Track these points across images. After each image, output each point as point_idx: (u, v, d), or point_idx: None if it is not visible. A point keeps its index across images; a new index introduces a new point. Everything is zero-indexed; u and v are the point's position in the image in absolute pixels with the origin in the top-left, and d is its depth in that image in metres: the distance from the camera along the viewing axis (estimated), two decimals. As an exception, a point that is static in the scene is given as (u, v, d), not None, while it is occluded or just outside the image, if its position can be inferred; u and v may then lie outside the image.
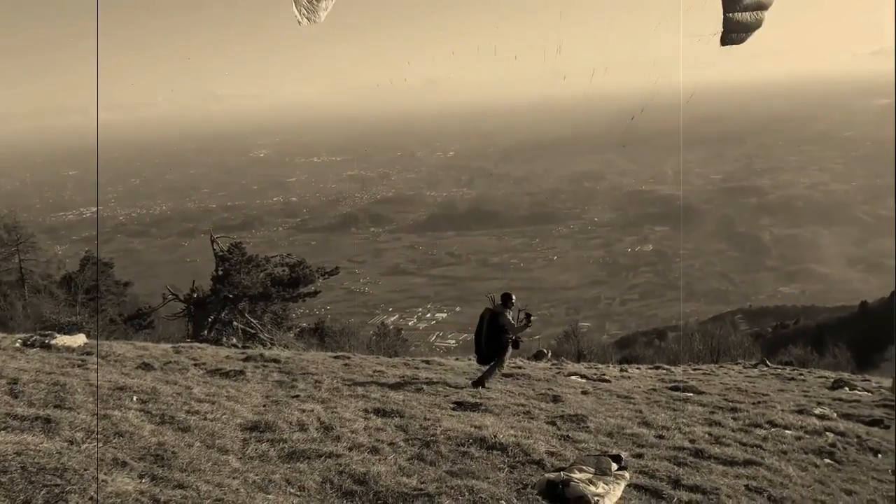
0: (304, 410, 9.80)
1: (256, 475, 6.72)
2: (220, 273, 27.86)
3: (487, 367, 13.71)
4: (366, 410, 10.34)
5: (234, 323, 27.90)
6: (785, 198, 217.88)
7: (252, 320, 27.33)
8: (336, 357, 17.95)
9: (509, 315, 13.26)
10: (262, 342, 25.77)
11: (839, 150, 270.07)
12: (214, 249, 29.35)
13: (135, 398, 9.22)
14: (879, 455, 11.42)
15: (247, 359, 15.72)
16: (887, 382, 21.30)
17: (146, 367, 12.81)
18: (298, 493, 6.50)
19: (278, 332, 27.61)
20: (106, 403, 8.64)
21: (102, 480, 5.67)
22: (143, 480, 5.99)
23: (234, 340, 25.25)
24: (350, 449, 8.09)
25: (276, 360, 15.43)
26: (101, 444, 6.79)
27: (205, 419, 8.62)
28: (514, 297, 13.35)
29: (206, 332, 26.88)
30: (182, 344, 19.99)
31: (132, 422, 7.84)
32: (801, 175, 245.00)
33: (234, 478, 6.50)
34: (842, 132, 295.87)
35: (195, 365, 13.72)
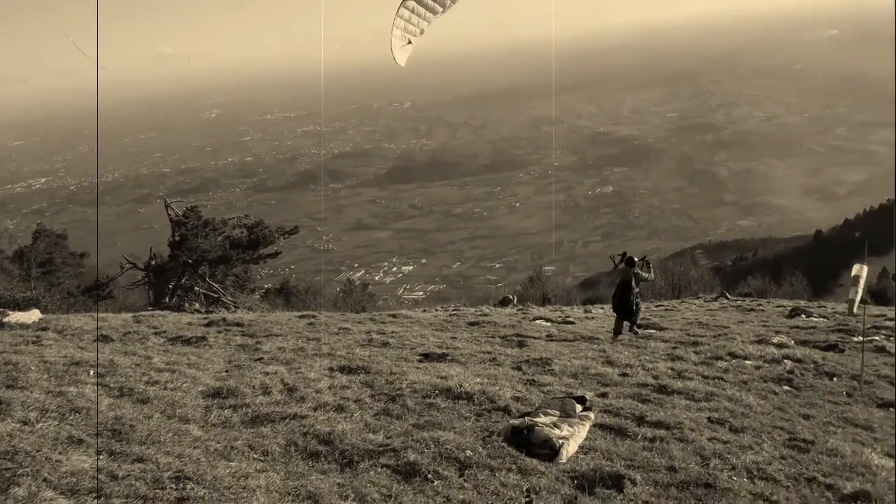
0: (267, 373, 9.69)
1: (218, 443, 6.62)
2: (177, 238, 27.28)
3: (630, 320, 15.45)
4: (331, 369, 10.27)
5: (196, 288, 27.46)
6: (740, 132, 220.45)
7: (214, 284, 26.92)
8: (301, 316, 17.79)
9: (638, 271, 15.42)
10: (225, 306, 25.46)
11: (791, 82, 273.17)
12: (169, 215, 28.69)
13: (91, 372, 9.00)
14: (834, 378, 11.77)
15: (209, 324, 15.48)
16: (842, 307, 21.92)
17: (104, 339, 12.52)
18: (262, 457, 6.42)
19: (241, 294, 27.28)
20: (61, 380, 8.41)
21: (57, 460, 5.52)
22: (101, 457, 5.84)
23: (197, 306, 24.90)
24: (315, 409, 8.03)
25: (239, 324, 15.23)
26: (56, 423, 6.61)
27: (165, 389, 8.45)
28: (635, 257, 15.62)
29: (167, 299, 26.44)
30: (143, 313, 19.60)
31: (89, 397, 7.64)
32: (755, 109, 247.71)
33: (195, 447, 6.39)
34: (793, 65, 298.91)
35: (155, 333, 13.46)
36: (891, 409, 10.30)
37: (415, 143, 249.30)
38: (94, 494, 5.08)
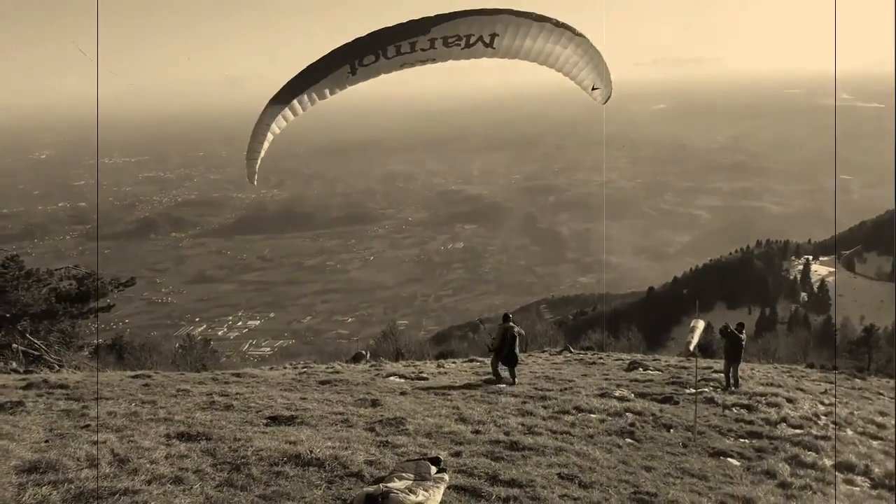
0: (95, 442, 8.77)
1: (33, 527, 5.83)
2: (-6, 290, 24.61)
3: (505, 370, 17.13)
4: (168, 436, 9.46)
5: (14, 345, 24.76)
6: (580, 195, 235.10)
7: (35, 341, 24.41)
8: (135, 376, 16.46)
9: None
10: (48, 365, 23.12)
11: (625, 150, 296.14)
12: (-14, 264, 25.87)
13: None
14: (671, 430, 12.43)
15: (28, 386, 13.92)
16: (674, 360, 23.44)
17: None
18: (85, 542, 5.72)
19: (67, 352, 24.90)
20: None
21: None
22: None
23: (15, 365, 22.44)
24: (149, 482, 7.31)
25: (63, 386, 13.80)
26: None
27: (-31, 465, 7.41)
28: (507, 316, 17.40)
29: (-22, 358, 23.63)
30: (-54, 374, 17.38)
31: None
32: (594, 174, 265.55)
33: (3, 534, 5.59)
34: (626, 134, 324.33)
35: (-39, 399, 11.89)
36: (720, 457, 11.00)
37: (265, 193, 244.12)
38: None
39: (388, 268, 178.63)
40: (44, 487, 6.95)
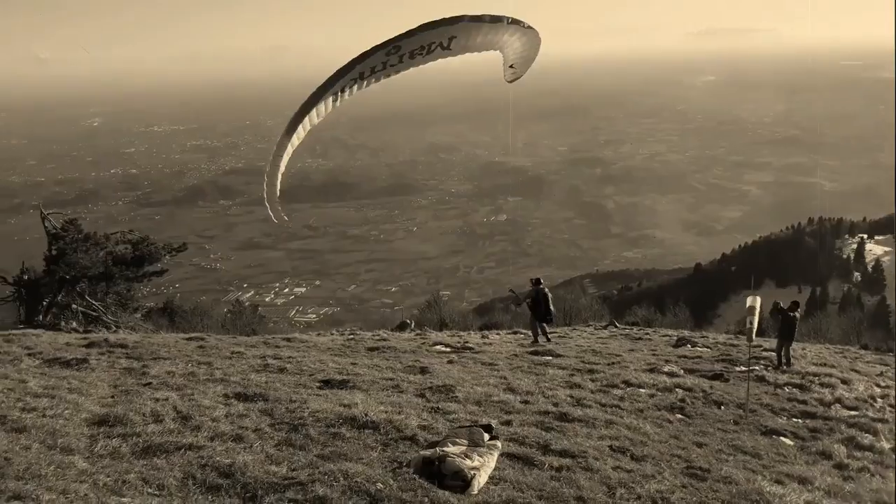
0: (157, 399, 9.08)
1: (108, 476, 6.08)
2: (54, 252, 25.41)
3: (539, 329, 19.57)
4: (226, 395, 9.74)
5: (74, 306, 25.63)
6: (626, 168, 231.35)
7: (93, 302, 25.22)
8: (189, 338, 16.91)
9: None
10: (105, 325, 23.89)
11: (673, 122, 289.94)
12: (46, 227, 26.66)
13: (-44, 398, 8.13)
14: (722, 407, 12.32)
15: (90, 345, 14.44)
16: (722, 338, 23.11)
17: (-31, 360, 11.40)
18: (157, 492, 5.95)
19: (123, 313, 25.68)
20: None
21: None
22: (-29, 494, 5.24)
23: (75, 324, 23.28)
24: (212, 439, 7.56)
25: (123, 346, 14.28)
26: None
27: (43, 416, 7.76)
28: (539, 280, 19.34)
29: (41, 316, 24.52)
30: (14, 331, 18.08)
31: (-47, 426, 6.88)
32: (641, 146, 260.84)
33: (81, 481, 5.84)
34: (675, 106, 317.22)
35: (29, 354, 12.40)
36: (773, 436, 10.87)
37: (311, 163, 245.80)
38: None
39: (431, 238, 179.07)
40: (114, 440, 7.24)
